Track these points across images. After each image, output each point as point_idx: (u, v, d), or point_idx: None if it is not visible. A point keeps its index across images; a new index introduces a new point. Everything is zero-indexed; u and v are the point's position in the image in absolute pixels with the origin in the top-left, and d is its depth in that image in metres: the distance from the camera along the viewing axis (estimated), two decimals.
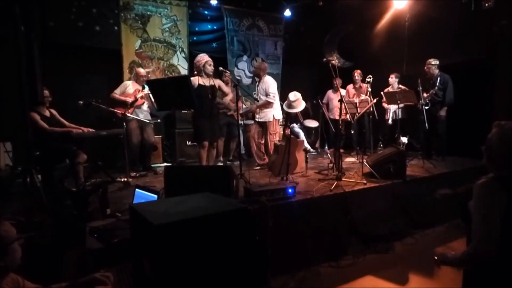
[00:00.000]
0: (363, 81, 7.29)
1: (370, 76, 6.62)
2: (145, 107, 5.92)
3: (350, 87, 7.73)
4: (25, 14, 4.20)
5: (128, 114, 5.37)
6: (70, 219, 2.96)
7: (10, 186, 4.32)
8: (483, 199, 1.80)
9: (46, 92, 4.95)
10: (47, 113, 4.94)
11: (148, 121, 5.87)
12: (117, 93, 5.79)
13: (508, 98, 6.15)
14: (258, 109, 5.84)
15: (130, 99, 5.68)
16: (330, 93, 8.08)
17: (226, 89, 5.49)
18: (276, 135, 5.85)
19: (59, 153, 4.77)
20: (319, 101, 7.93)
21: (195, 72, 5.28)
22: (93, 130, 4.95)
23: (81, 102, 5.02)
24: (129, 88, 5.89)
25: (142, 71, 6.12)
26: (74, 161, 4.73)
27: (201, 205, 1.64)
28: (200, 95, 4.98)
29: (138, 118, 5.71)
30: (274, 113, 5.77)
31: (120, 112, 5.26)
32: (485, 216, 1.77)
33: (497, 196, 1.76)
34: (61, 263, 2.48)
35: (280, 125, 7.58)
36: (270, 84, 5.68)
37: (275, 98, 5.67)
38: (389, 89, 7.03)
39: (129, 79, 6.65)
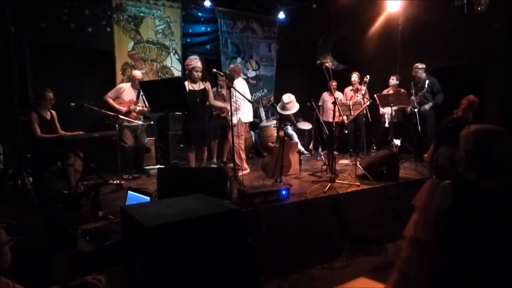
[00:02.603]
0: (360, 83, 7.30)
1: (367, 76, 6.62)
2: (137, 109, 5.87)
3: (347, 89, 7.73)
4: (16, 15, 4.16)
5: (121, 116, 5.32)
6: (62, 222, 2.93)
7: (0, 188, 4.27)
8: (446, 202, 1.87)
9: (50, 95, 4.90)
10: (47, 115, 4.92)
11: (139, 124, 5.83)
12: (111, 97, 5.68)
13: (499, 101, 6.20)
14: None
15: (123, 109, 5.62)
16: (325, 95, 8.08)
17: (211, 94, 5.45)
18: (241, 138, 5.68)
19: (50, 155, 4.74)
20: (313, 103, 7.95)
21: (186, 73, 5.27)
22: (82, 133, 4.92)
23: (73, 104, 4.99)
24: (124, 93, 5.77)
25: (138, 74, 6.02)
26: (65, 164, 4.70)
27: (193, 207, 1.63)
28: (191, 100, 4.96)
29: (130, 123, 5.64)
30: (241, 116, 5.67)
31: (112, 114, 5.22)
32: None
33: (467, 204, 1.82)
34: (52, 266, 2.45)
35: (274, 127, 7.60)
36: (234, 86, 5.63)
37: (238, 100, 5.51)
38: (390, 90, 7.05)
39: (122, 81, 6.61)
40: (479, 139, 1.83)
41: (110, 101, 5.65)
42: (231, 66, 6.25)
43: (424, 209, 2.18)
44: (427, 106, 6.47)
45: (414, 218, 2.32)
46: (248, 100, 5.14)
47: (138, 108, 5.70)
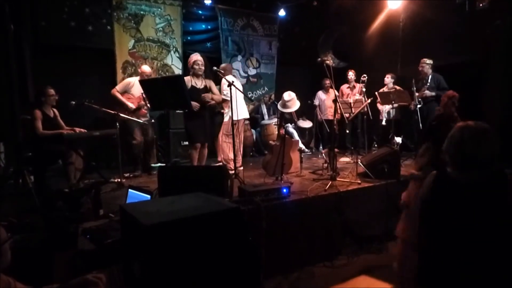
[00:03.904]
0: (357, 81, 7.31)
1: (365, 75, 6.64)
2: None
3: (344, 87, 7.73)
4: (16, 14, 4.15)
5: (122, 115, 5.29)
6: (61, 221, 2.93)
7: (1, 187, 4.27)
8: (426, 191, 2.01)
9: (52, 91, 4.89)
10: (51, 113, 4.92)
11: (142, 122, 5.81)
12: (119, 91, 5.60)
13: (500, 98, 6.18)
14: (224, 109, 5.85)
15: (132, 106, 5.57)
16: (320, 94, 8.07)
17: (215, 90, 5.44)
18: (230, 137, 5.48)
19: (51, 154, 4.74)
20: (314, 101, 7.95)
21: (190, 73, 5.27)
22: (85, 131, 4.92)
23: (73, 103, 4.97)
24: (133, 88, 5.65)
25: (147, 69, 5.87)
26: (66, 162, 4.70)
27: (193, 205, 1.63)
28: (193, 96, 4.95)
29: (135, 120, 5.59)
30: (230, 115, 5.65)
31: (113, 112, 5.19)
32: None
33: (438, 194, 1.95)
34: (52, 264, 2.45)
35: (275, 125, 7.59)
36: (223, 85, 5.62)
37: (229, 96, 5.45)
38: (385, 89, 7.06)
39: (123, 79, 6.59)
40: (453, 136, 1.93)
41: (119, 95, 5.55)
42: (222, 65, 6.21)
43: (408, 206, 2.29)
44: (428, 93, 6.43)
45: (402, 215, 2.43)
46: (249, 98, 5.13)
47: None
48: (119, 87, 5.66)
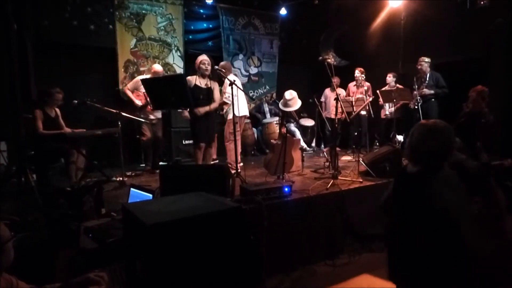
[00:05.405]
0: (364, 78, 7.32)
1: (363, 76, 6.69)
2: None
3: (351, 85, 7.73)
4: (18, 13, 4.16)
5: (124, 114, 5.29)
6: (63, 219, 2.94)
7: (4, 185, 4.29)
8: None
9: (60, 96, 4.95)
10: (52, 113, 4.93)
11: (144, 121, 5.82)
12: (130, 89, 5.76)
13: (501, 96, 6.17)
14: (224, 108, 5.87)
15: (139, 103, 5.62)
16: (327, 91, 8.08)
17: (217, 93, 5.40)
18: (231, 135, 5.41)
19: (53, 152, 4.75)
20: (315, 99, 7.94)
21: (198, 73, 5.25)
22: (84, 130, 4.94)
23: (76, 101, 4.99)
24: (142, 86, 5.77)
25: (159, 68, 6.01)
26: (68, 161, 4.71)
27: (194, 205, 1.63)
28: (195, 95, 4.95)
29: (145, 118, 5.63)
30: (233, 113, 5.63)
31: (114, 111, 5.20)
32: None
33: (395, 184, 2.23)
34: (54, 263, 2.46)
35: (276, 123, 7.59)
36: (225, 84, 5.64)
37: (230, 98, 5.16)
38: (386, 88, 7.06)
39: (125, 78, 6.62)
40: (410, 132, 2.13)
41: (129, 93, 5.73)
42: (222, 63, 6.20)
43: None
44: (426, 91, 6.43)
45: None
46: (250, 97, 5.13)
47: None
48: (129, 85, 5.85)
